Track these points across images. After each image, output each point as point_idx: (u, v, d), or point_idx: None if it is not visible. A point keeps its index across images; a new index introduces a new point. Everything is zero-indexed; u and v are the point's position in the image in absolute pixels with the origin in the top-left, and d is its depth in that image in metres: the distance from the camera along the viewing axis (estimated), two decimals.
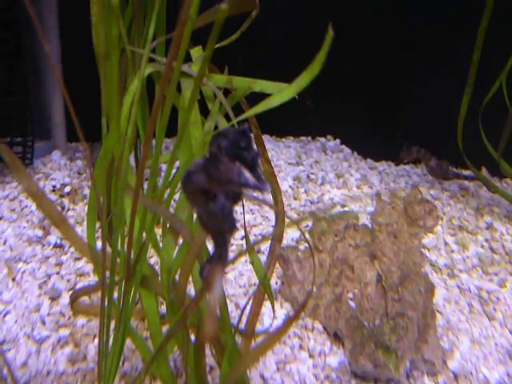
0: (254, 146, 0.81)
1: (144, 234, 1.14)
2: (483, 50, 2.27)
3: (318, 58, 1.02)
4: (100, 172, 1.22)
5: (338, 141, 2.97)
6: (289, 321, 1.08)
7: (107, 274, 1.11)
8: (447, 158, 2.64)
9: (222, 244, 0.84)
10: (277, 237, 1.27)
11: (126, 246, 1.09)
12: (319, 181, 2.49)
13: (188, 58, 1.24)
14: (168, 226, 1.16)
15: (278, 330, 1.08)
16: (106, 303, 1.14)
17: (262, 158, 1.26)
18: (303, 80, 1.09)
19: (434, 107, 2.69)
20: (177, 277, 1.13)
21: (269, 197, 1.28)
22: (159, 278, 1.22)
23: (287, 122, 2.85)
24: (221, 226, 0.81)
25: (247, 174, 0.75)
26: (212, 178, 0.75)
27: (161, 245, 1.19)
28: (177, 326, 1.06)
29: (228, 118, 1.20)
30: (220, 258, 0.83)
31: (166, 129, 1.01)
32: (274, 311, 1.30)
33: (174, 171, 1.17)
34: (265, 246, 1.97)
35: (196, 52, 1.34)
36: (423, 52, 2.71)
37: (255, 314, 1.25)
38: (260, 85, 1.23)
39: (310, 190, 2.40)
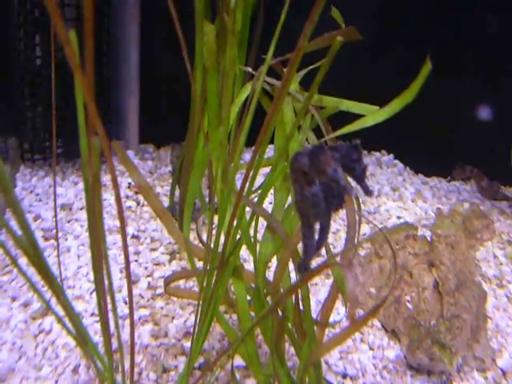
0: (363, 162, 0.95)
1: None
2: None
3: (413, 87, 1.18)
4: (197, 175, 1.38)
5: (391, 156, 3.12)
6: (365, 317, 1.23)
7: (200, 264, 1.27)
8: (497, 177, 2.76)
9: (307, 228, 0.99)
10: (349, 239, 1.42)
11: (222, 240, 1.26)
12: (375, 193, 2.64)
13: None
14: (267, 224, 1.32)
15: (354, 324, 1.23)
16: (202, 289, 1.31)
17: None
18: (396, 105, 1.25)
19: (487, 127, 2.81)
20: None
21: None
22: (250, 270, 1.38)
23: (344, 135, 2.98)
24: (308, 211, 0.95)
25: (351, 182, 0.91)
26: (312, 164, 0.90)
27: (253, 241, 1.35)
28: (268, 312, 1.22)
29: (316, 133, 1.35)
30: (304, 244, 0.98)
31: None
32: (345, 307, 1.43)
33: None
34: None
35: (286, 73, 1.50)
36: (480, 73, 2.84)
37: (329, 307, 1.40)
38: (346, 104, 1.38)
39: (367, 201, 2.55)
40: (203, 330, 1.40)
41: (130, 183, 2.42)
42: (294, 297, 1.27)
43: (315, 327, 1.38)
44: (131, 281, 1.85)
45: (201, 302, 1.35)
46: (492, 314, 1.94)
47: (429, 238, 1.95)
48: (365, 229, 2.28)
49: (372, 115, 1.21)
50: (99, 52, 2.44)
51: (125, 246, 0.97)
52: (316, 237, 1.06)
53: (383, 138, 3.06)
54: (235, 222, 1.27)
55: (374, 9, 2.87)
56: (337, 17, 1.37)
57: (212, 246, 1.30)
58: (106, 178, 2.44)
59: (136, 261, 1.96)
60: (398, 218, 2.40)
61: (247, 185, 1.29)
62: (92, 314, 1.70)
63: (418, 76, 1.11)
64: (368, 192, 0.96)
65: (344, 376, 1.60)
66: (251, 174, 1.28)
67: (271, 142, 1.27)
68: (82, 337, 1.25)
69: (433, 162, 2.99)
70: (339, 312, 1.82)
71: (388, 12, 2.89)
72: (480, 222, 1.90)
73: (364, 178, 0.95)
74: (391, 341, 1.75)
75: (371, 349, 1.72)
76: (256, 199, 1.30)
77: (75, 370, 1.49)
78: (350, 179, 0.93)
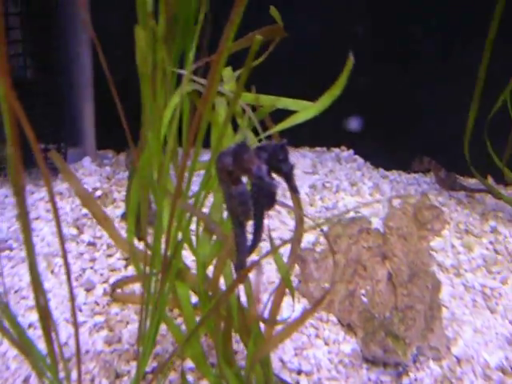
0: (291, 160, 0.96)
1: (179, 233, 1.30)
2: (491, 62, 2.42)
3: (340, 82, 1.20)
4: (140, 180, 1.37)
5: (351, 151, 3.13)
6: (307, 311, 1.24)
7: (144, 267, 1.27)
8: (455, 167, 2.78)
9: (237, 227, 1.00)
10: (297, 238, 1.43)
11: (163, 243, 1.26)
12: (334, 188, 2.65)
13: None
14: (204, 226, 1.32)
15: (298, 319, 1.24)
16: (146, 293, 1.31)
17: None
18: (325, 100, 1.26)
19: (443, 119, 2.83)
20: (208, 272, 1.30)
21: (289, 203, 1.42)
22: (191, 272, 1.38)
23: (303, 132, 2.99)
24: (237, 210, 0.96)
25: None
26: (236, 163, 0.90)
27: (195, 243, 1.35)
28: (210, 312, 1.22)
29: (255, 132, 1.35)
30: (237, 243, 0.99)
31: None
32: (293, 304, 1.44)
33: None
34: (283, 249, 2.12)
35: (227, 72, 1.50)
36: (434, 65, 2.86)
37: (277, 305, 1.41)
38: (283, 102, 1.38)
39: (325, 197, 2.56)
40: (151, 334, 1.40)
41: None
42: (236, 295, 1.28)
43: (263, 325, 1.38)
44: (86, 288, 1.85)
45: (147, 307, 1.36)
46: (448, 303, 1.95)
47: (382, 231, 1.96)
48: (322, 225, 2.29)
49: (303, 111, 1.22)
50: (49, 59, 2.42)
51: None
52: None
53: (342, 134, 3.08)
54: (175, 225, 1.28)
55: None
56: (275, 15, 1.38)
57: (155, 250, 1.30)
58: (62, 187, 2.43)
59: (92, 268, 1.95)
60: (356, 212, 2.40)
61: (185, 187, 1.30)
62: None
63: (343, 70, 1.13)
64: (295, 191, 0.97)
65: (299, 372, 1.61)
66: (188, 175, 1.28)
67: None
68: (27, 348, 1.25)
69: (393, 155, 3.01)
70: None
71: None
72: (430, 213, 1.92)
73: (291, 177, 0.96)
74: (347, 335, 1.76)
75: (326, 344, 1.72)
76: (197, 201, 1.30)
77: (26, 381, 1.48)
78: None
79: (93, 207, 1.34)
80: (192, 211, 1.23)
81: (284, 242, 1.42)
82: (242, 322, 1.29)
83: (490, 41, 2.38)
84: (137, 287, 1.85)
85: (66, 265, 1.10)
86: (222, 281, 1.26)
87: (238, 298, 1.28)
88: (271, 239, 1.38)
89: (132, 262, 1.48)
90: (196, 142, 1.21)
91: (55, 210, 1.01)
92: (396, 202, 2.16)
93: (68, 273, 1.10)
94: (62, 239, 1.05)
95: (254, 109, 1.41)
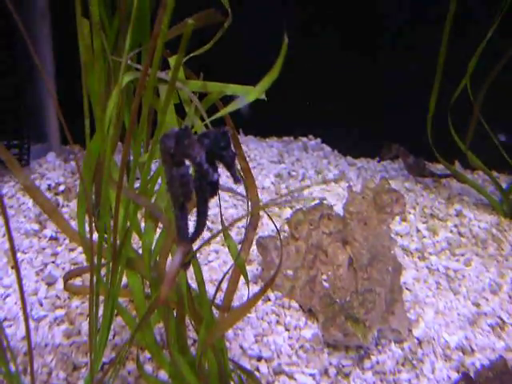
0: (232, 147, 0.96)
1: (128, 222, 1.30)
2: (451, 48, 2.43)
3: (277, 64, 1.19)
4: (87, 168, 1.37)
5: (318, 140, 3.13)
6: (256, 294, 1.24)
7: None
8: (424, 153, 2.79)
9: (178, 209, 0.99)
10: (252, 225, 1.42)
11: (112, 232, 1.26)
12: (299, 177, 2.65)
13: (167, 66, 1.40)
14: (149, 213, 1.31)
15: (247, 302, 1.24)
16: (95, 282, 1.30)
17: (239, 155, 1.40)
18: (265, 83, 1.26)
19: (409, 105, 2.84)
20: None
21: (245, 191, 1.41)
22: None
23: (271, 123, 2.99)
24: (177, 192, 0.95)
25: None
26: (178, 147, 0.90)
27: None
28: (157, 298, 1.22)
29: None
30: (177, 226, 0.98)
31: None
32: (248, 288, 1.43)
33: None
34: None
35: (173, 60, 1.49)
36: (397, 51, 2.87)
37: (231, 290, 1.40)
38: (231, 88, 1.38)
39: (290, 185, 2.56)
40: (105, 324, 1.40)
41: (49, 185, 2.39)
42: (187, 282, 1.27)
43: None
44: (48, 282, 1.84)
45: (97, 296, 1.35)
46: (411, 286, 1.96)
47: (342, 216, 1.96)
48: (287, 212, 2.29)
49: (245, 95, 1.21)
50: (6, 55, 2.40)
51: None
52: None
53: (310, 122, 3.08)
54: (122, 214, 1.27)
55: None
56: (224, 1, 1.37)
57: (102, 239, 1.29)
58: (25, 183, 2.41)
59: (53, 262, 1.94)
60: (321, 199, 2.40)
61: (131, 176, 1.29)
62: (4, 319, 1.68)
63: (280, 52, 1.12)
64: (236, 180, 0.97)
65: (259, 359, 1.60)
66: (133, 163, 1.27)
67: None
68: None
69: (360, 143, 3.01)
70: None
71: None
72: (389, 196, 1.92)
73: (233, 166, 0.95)
74: (308, 320, 1.76)
75: (287, 330, 1.72)
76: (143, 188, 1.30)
77: None
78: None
79: (39, 200, 1.33)
80: (134, 198, 1.23)
81: (235, 221, 1.41)
82: (192, 307, 1.29)
83: (448, 23, 2.39)
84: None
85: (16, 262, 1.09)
86: None
87: (188, 284, 1.28)
88: (223, 223, 1.37)
89: (84, 254, 1.47)
90: (139, 129, 1.21)
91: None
92: (357, 188, 2.16)
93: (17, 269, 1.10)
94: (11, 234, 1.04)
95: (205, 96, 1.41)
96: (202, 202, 1.04)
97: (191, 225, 1.05)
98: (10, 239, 1.12)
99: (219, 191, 0.95)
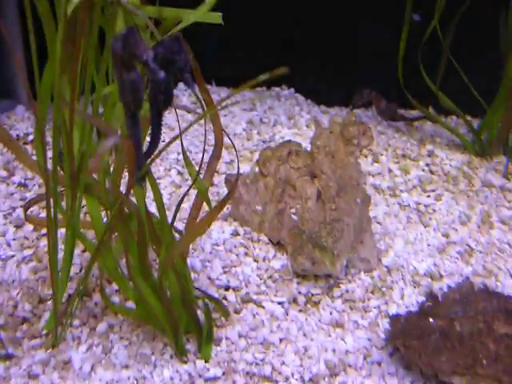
0: (186, 53, 0.95)
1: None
2: None
3: None
4: (43, 95, 1.34)
5: (292, 90, 3.10)
6: (213, 211, 1.23)
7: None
8: (397, 100, 2.77)
9: (129, 118, 0.98)
10: (215, 155, 1.41)
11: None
12: (271, 123, 2.63)
13: None
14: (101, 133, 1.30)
15: (203, 219, 1.24)
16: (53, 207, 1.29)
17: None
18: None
19: (382, 51, 2.82)
20: None
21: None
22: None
23: (243, 74, 2.96)
24: (128, 98, 0.94)
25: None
26: (125, 47, 0.89)
27: None
28: (113, 218, 1.21)
29: None
30: (130, 135, 0.97)
31: None
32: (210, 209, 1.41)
33: None
34: (218, 180, 2.11)
35: None
36: None
37: (194, 216, 1.39)
38: (187, 14, 1.36)
39: (262, 131, 2.54)
40: (67, 255, 1.39)
41: (18, 135, 2.37)
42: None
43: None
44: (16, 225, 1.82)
45: (55, 225, 1.34)
46: (382, 220, 1.96)
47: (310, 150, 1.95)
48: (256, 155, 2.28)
49: (195, 12, 1.20)
50: None
51: None
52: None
53: (284, 73, 3.05)
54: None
55: None
56: None
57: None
58: None
59: (21, 206, 1.92)
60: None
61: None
62: None
63: None
64: (188, 83, 0.96)
65: (226, 288, 1.60)
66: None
67: None
68: None
69: (333, 92, 2.99)
70: (224, 230, 1.82)
71: None
72: (356, 129, 1.91)
73: (185, 70, 0.94)
74: (278, 253, 1.76)
75: (256, 261, 1.72)
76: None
77: None
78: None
79: None
80: (88, 119, 1.21)
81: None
82: (152, 230, 1.28)
83: None
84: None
85: None
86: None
87: (146, 208, 1.26)
88: (183, 148, 1.36)
89: (43, 182, 1.45)
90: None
91: None
92: (324, 123, 2.15)
93: None
94: None
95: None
96: (156, 113, 1.02)
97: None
98: None
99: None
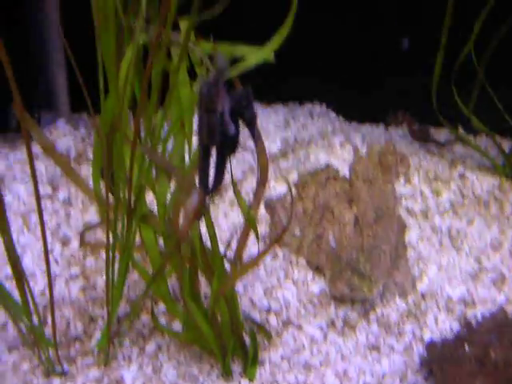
0: (253, 108, 1.01)
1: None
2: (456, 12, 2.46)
3: (286, 23, 1.24)
4: (103, 126, 1.42)
5: (324, 106, 3.16)
6: (265, 249, 1.30)
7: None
8: (428, 118, 2.82)
9: (203, 160, 1.05)
10: (262, 182, 1.47)
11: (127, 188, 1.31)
12: (305, 142, 2.69)
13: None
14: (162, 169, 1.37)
15: (257, 256, 1.31)
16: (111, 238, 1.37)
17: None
18: (275, 43, 1.30)
19: (414, 70, 2.87)
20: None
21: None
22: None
23: (276, 88, 3.02)
24: (203, 136, 1.01)
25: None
26: (207, 93, 0.95)
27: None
28: (171, 250, 1.28)
29: None
30: (199, 168, 1.04)
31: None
32: (258, 243, 1.48)
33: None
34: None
35: (185, 22, 1.54)
36: (401, 19, 2.89)
37: (242, 245, 1.46)
38: (241, 50, 1.42)
39: (296, 150, 2.61)
40: (120, 277, 1.46)
41: (60, 151, 2.45)
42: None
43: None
44: (63, 242, 1.90)
45: (114, 251, 1.41)
46: (415, 245, 2.02)
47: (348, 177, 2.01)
48: (293, 176, 2.34)
49: (254, 54, 1.26)
50: (17, 22, 2.45)
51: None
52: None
53: (316, 88, 3.11)
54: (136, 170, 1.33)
55: None
56: None
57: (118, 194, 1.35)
58: (36, 149, 2.46)
59: (67, 223, 2.00)
60: (327, 163, 2.45)
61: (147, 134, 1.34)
62: None
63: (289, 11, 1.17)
64: (255, 137, 1.03)
65: (268, 311, 1.67)
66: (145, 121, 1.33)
67: None
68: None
69: (366, 109, 3.04)
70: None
71: None
72: (394, 157, 1.97)
73: (253, 124, 1.01)
74: (316, 276, 1.82)
75: (295, 285, 1.78)
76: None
77: (3, 327, 1.54)
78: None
79: (57, 159, 1.39)
80: (149, 154, 1.28)
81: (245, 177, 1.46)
82: (205, 261, 1.35)
83: None
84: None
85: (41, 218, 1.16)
86: None
87: (201, 237, 1.33)
88: (233, 179, 1.42)
89: (99, 210, 1.53)
90: (152, 89, 1.27)
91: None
92: (363, 150, 2.21)
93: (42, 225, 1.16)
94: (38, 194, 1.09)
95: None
96: (221, 158, 1.09)
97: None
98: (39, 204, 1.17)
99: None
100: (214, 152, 1.04)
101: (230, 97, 0.98)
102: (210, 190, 1.17)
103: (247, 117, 0.98)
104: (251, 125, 0.99)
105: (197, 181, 1.11)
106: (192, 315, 1.36)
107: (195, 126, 1.05)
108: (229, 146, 1.03)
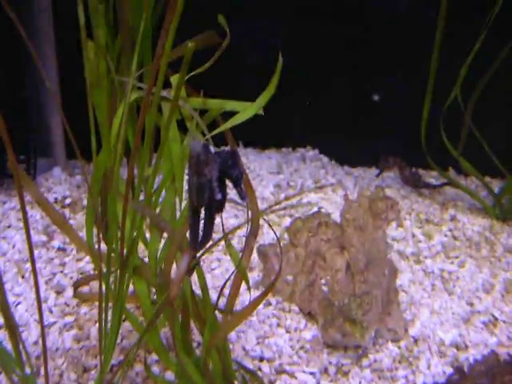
0: (241, 168, 1.04)
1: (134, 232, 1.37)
2: (442, 56, 2.51)
3: (273, 81, 1.28)
4: (95, 182, 1.44)
5: (316, 151, 3.21)
6: (257, 298, 1.31)
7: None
8: (419, 160, 2.86)
9: (193, 218, 1.07)
10: (252, 232, 1.50)
11: (119, 241, 1.34)
12: (298, 187, 2.73)
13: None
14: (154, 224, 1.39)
15: (248, 306, 1.32)
16: (104, 289, 1.38)
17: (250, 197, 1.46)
18: (263, 100, 1.34)
19: (404, 113, 2.92)
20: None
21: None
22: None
23: (269, 134, 3.06)
24: (193, 197, 1.03)
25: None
26: (197, 160, 0.98)
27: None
28: (163, 303, 1.30)
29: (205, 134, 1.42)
30: (189, 225, 1.06)
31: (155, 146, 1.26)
32: (250, 293, 1.50)
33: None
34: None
35: (175, 79, 1.57)
36: (391, 64, 2.95)
37: (234, 295, 1.48)
38: (230, 105, 1.45)
39: (289, 195, 2.64)
40: (113, 327, 1.47)
41: (56, 198, 2.47)
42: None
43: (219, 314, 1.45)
44: (57, 291, 1.91)
45: (107, 302, 1.43)
46: (407, 288, 2.04)
47: (340, 223, 2.03)
48: (286, 221, 2.37)
49: (243, 111, 1.30)
50: (15, 72, 2.50)
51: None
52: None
53: (308, 133, 3.16)
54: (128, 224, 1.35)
55: None
56: (222, 22, 1.45)
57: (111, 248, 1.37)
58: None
59: (62, 272, 2.01)
60: (319, 208, 2.48)
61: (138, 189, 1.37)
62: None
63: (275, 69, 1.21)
64: (242, 196, 1.05)
65: (261, 359, 1.68)
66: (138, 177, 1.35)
67: None
68: None
69: (356, 153, 3.09)
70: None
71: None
72: (384, 204, 2.00)
73: (239, 183, 1.03)
74: (309, 323, 1.84)
75: (288, 332, 1.79)
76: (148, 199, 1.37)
77: None
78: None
79: (50, 212, 1.41)
80: (141, 210, 1.31)
81: (235, 228, 1.48)
82: (196, 311, 1.36)
83: (439, 32, 2.47)
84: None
85: (34, 269, 1.17)
86: None
87: (192, 289, 1.35)
88: (224, 231, 1.45)
89: (92, 262, 1.55)
90: (143, 145, 1.30)
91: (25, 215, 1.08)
92: (353, 196, 2.24)
93: (35, 276, 1.18)
94: (31, 244, 1.12)
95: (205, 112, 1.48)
96: (209, 217, 1.12)
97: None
98: (31, 253, 1.19)
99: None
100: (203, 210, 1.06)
101: (218, 158, 1.00)
102: (199, 247, 1.20)
103: (233, 177, 1.01)
104: (237, 185, 1.01)
105: (188, 236, 1.13)
106: (182, 365, 1.37)
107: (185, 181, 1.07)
108: (216, 206, 1.05)
